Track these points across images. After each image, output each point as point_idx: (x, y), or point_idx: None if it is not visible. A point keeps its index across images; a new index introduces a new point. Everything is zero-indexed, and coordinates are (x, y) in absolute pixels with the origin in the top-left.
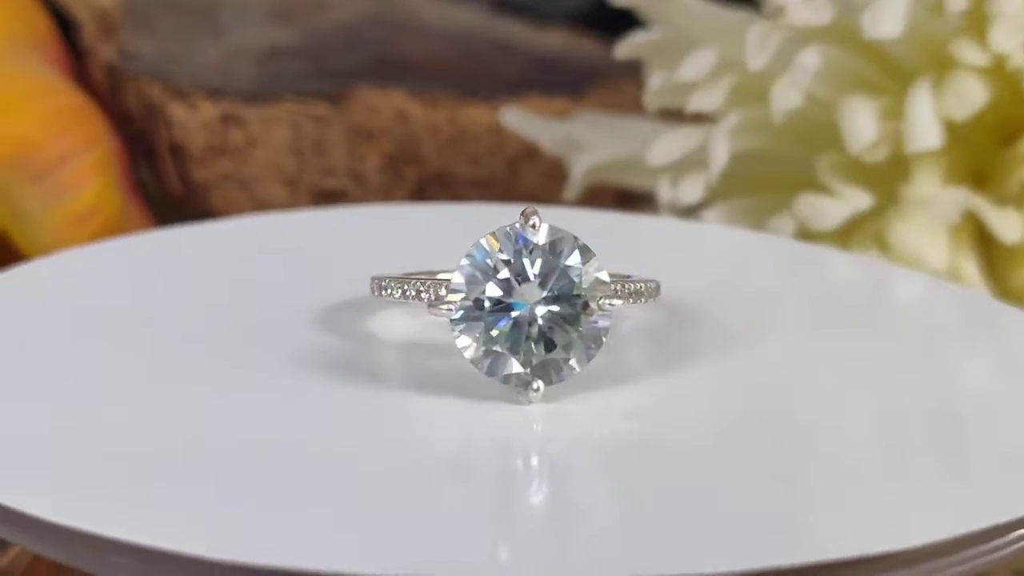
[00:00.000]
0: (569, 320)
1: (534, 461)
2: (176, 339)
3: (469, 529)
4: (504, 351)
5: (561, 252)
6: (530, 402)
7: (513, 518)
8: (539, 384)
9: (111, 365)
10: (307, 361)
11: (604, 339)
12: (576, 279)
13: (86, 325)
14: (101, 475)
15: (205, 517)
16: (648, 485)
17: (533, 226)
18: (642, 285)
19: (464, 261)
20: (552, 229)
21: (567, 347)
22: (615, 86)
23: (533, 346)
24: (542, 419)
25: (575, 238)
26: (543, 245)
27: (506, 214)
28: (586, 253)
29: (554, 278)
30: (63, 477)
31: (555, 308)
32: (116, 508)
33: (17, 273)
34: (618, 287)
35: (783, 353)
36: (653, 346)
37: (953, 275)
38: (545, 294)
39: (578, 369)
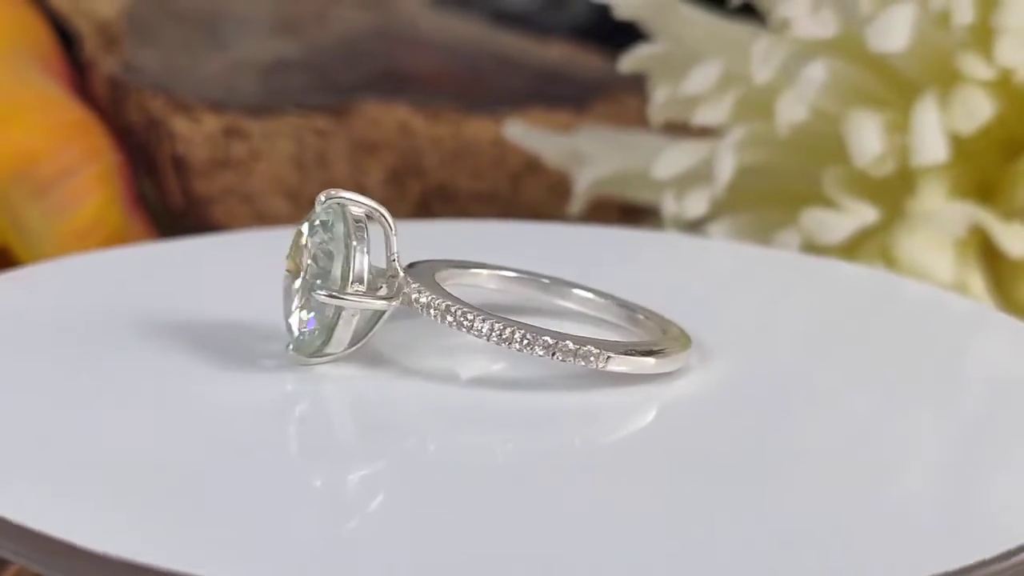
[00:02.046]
0: (313, 304)
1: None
2: (175, 352)
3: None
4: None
5: (333, 238)
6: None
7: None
8: (290, 349)
9: (107, 375)
10: (312, 375)
11: (322, 340)
12: (317, 266)
13: (82, 334)
14: (100, 482)
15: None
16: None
17: (325, 200)
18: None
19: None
20: (349, 219)
21: (317, 328)
22: (618, 99)
23: (298, 314)
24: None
25: (349, 232)
26: (329, 226)
27: (506, 231)
28: (345, 247)
29: (309, 259)
30: (56, 483)
31: (314, 288)
32: (110, 520)
33: (12, 277)
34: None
35: (787, 368)
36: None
37: (959, 289)
38: (307, 271)
39: (319, 357)
